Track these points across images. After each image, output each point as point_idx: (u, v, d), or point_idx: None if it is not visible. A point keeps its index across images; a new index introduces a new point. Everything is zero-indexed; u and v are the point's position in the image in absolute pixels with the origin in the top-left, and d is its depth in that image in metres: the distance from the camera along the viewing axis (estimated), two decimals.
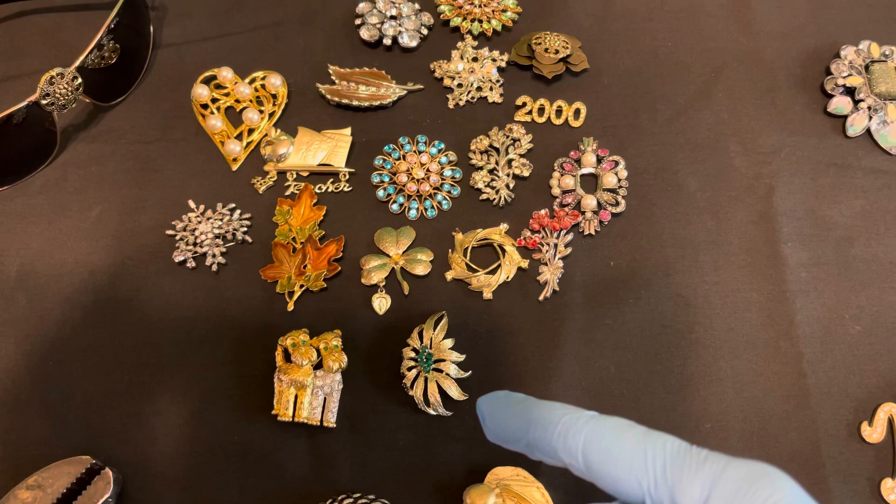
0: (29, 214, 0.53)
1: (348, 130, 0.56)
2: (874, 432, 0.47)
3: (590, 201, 0.53)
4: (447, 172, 0.55)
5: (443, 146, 0.55)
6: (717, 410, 0.48)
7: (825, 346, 0.49)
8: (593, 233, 0.53)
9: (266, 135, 0.55)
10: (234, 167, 0.55)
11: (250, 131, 0.56)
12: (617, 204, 0.53)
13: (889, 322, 0.50)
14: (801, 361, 0.49)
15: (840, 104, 0.57)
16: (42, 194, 0.54)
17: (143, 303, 0.50)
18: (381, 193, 0.54)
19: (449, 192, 0.54)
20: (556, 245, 0.52)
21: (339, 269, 0.51)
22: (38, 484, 0.43)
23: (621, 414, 0.46)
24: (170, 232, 0.52)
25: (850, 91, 0.58)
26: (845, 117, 0.57)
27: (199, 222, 0.52)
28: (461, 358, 0.48)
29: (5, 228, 0.52)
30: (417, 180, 0.54)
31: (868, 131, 0.57)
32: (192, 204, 0.53)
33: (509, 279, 0.51)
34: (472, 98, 0.58)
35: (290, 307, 0.50)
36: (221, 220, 0.52)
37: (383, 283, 0.51)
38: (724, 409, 0.48)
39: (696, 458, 0.30)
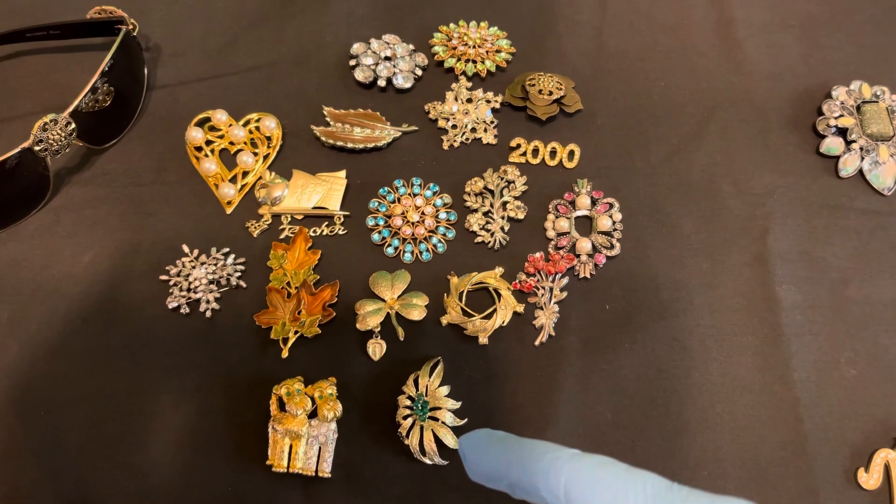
0: (21, 260, 0.52)
1: (343, 173, 0.56)
2: (870, 478, 0.46)
3: (585, 244, 0.53)
4: (442, 215, 0.55)
5: (437, 189, 0.55)
6: (713, 457, 0.47)
7: (821, 390, 0.49)
8: (588, 276, 0.53)
9: (260, 178, 0.55)
10: (229, 210, 0.55)
11: (245, 174, 0.56)
12: (612, 247, 0.53)
13: (884, 366, 0.50)
14: (797, 406, 0.49)
15: (832, 144, 0.58)
16: (34, 239, 0.53)
17: (136, 350, 0.50)
18: (376, 237, 0.54)
19: (444, 234, 0.54)
20: (551, 289, 0.52)
21: (334, 314, 0.51)
22: None
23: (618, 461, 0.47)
24: (163, 277, 0.52)
25: (842, 131, 0.58)
26: (837, 158, 0.58)
27: (193, 267, 0.52)
28: (457, 405, 0.48)
29: None
30: (412, 223, 0.54)
31: (860, 172, 0.57)
32: (185, 248, 0.53)
33: (505, 324, 0.51)
34: (467, 139, 0.58)
35: (285, 354, 0.50)
36: (215, 264, 0.52)
37: (378, 329, 0.51)
38: (720, 455, 0.47)
39: (677, 496, 0.30)
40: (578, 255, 0.53)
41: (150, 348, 0.50)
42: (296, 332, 0.50)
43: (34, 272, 0.52)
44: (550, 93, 0.58)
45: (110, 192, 0.55)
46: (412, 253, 0.53)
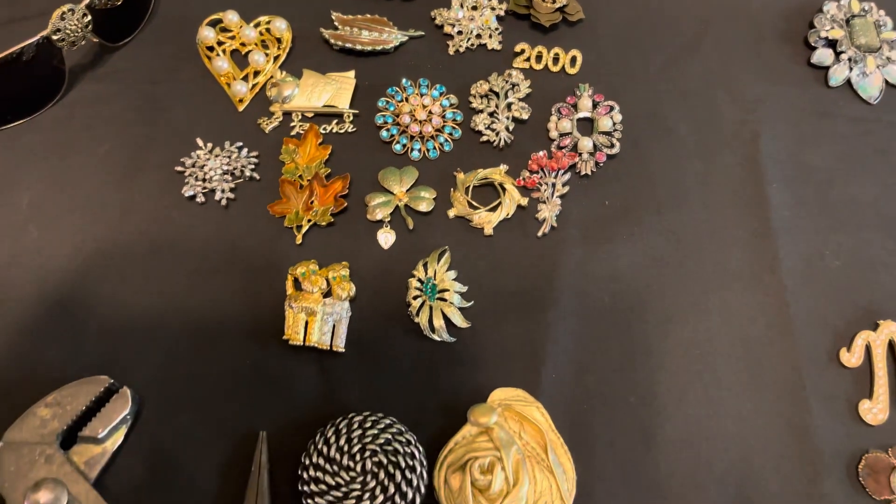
0: (39, 150, 0.54)
1: (352, 73, 0.57)
2: (852, 357, 0.50)
3: (586, 143, 0.55)
4: (448, 115, 0.56)
5: (444, 90, 0.57)
6: (705, 338, 0.50)
7: (806, 279, 0.52)
8: (589, 173, 0.55)
9: (271, 77, 0.57)
10: (241, 108, 0.56)
11: (256, 73, 0.57)
12: (612, 146, 0.55)
13: (865, 258, 0.53)
14: (784, 293, 0.52)
15: (822, 56, 0.60)
16: (51, 131, 0.54)
17: (154, 235, 0.51)
18: (384, 134, 0.55)
19: (450, 134, 0.56)
20: (553, 184, 0.54)
21: (346, 204, 0.53)
22: (57, 402, 0.44)
23: (614, 341, 0.49)
24: (179, 168, 0.53)
25: (831, 43, 0.60)
26: (827, 68, 0.60)
27: (208, 159, 0.53)
28: (464, 289, 0.51)
29: (16, 163, 0.53)
30: (420, 122, 0.56)
31: (848, 82, 0.60)
32: (199, 142, 0.54)
33: (509, 216, 0.53)
34: (472, 45, 0.60)
35: (299, 240, 0.52)
36: (229, 157, 0.53)
37: (388, 220, 0.53)
38: (711, 336, 0.50)
39: None
40: (580, 154, 0.55)
41: (166, 234, 0.51)
42: (309, 221, 0.52)
43: (52, 162, 0.53)
44: (554, 1, 0.60)
45: (124, 89, 0.56)
46: (420, 151, 0.55)
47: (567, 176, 0.55)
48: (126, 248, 0.51)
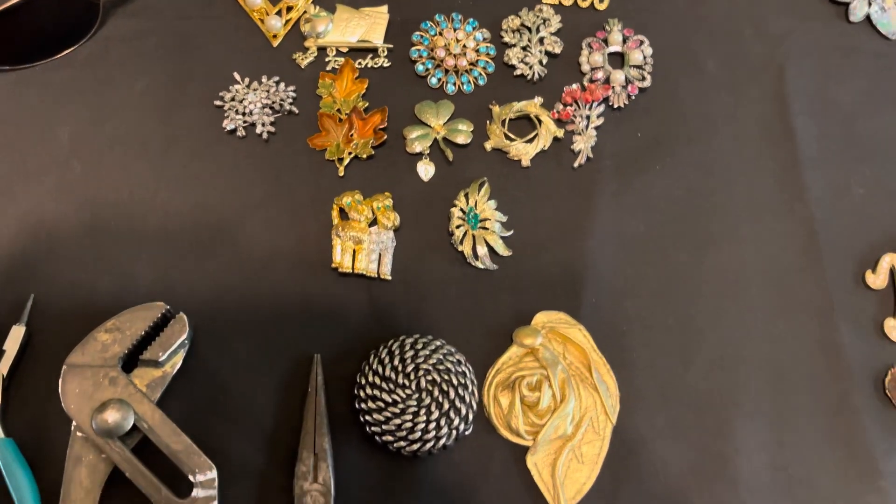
0: (75, 85, 0.54)
1: (385, 8, 0.57)
2: (877, 279, 0.52)
3: (618, 76, 0.56)
4: (482, 49, 0.57)
5: (476, 24, 0.58)
6: (738, 266, 0.52)
7: (833, 207, 0.54)
8: (622, 105, 0.56)
9: (305, 12, 0.57)
10: (275, 43, 0.56)
11: (289, 9, 0.57)
12: (644, 79, 0.56)
13: (890, 187, 0.55)
14: (812, 222, 0.53)
15: None
16: (87, 67, 0.54)
17: (197, 171, 0.52)
18: (419, 68, 0.56)
19: (484, 68, 0.57)
20: (588, 117, 0.55)
21: (385, 137, 0.53)
22: (116, 327, 0.45)
23: (650, 268, 0.51)
24: (218, 103, 0.53)
25: None
26: (848, 4, 0.61)
27: (247, 93, 0.53)
28: (504, 218, 0.52)
29: (53, 98, 0.53)
30: (454, 56, 0.56)
31: (868, 17, 0.61)
32: (237, 76, 0.54)
33: (546, 148, 0.54)
34: None
35: (341, 173, 0.52)
36: (268, 91, 0.54)
37: (427, 152, 0.53)
38: (744, 264, 0.52)
39: None
40: (613, 87, 0.56)
41: (209, 169, 0.52)
42: (350, 154, 0.53)
43: (90, 98, 0.53)
44: None
45: (157, 26, 0.56)
46: (454, 84, 0.56)
47: (601, 108, 0.55)
48: (170, 183, 0.51)
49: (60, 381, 0.43)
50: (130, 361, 0.45)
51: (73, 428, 0.43)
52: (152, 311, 0.46)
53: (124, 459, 0.42)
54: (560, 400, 0.46)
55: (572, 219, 0.53)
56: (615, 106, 0.56)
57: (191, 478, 0.42)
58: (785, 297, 0.51)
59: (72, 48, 0.54)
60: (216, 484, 0.42)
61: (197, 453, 0.43)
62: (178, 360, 0.46)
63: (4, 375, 0.45)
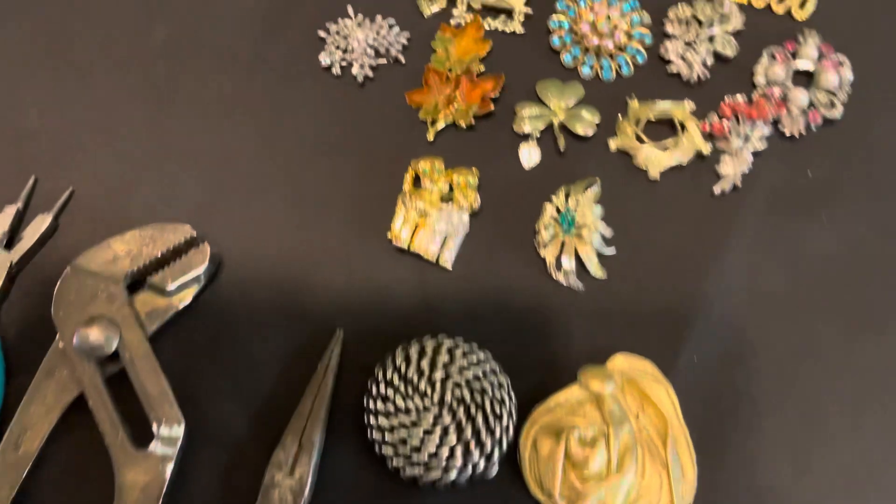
0: None
1: None
2: None
3: (801, 97, 0.44)
4: (636, 35, 0.47)
5: (637, 5, 0.48)
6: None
7: None
8: (796, 134, 0.44)
9: None
10: None
11: None
12: (833, 106, 0.44)
13: None
14: None
15: None
16: None
17: (280, 99, 0.46)
18: (555, 41, 0.47)
19: (633, 56, 0.47)
20: (747, 137, 0.44)
21: (493, 108, 0.45)
22: (135, 240, 0.40)
23: (783, 337, 0.39)
24: (321, 33, 0.48)
25: None
26: None
27: (355, 29, 0.47)
28: (609, 232, 0.42)
29: None
30: (601, 34, 0.47)
31: None
32: (350, 10, 0.48)
33: (684, 163, 0.44)
34: None
35: (431, 137, 0.45)
36: (378, 32, 0.47)
37: (537, 136, 0.45)
38: None
39: None
40: (788, 108, 0.44)
41: (294, 100, 0.46)
42: (447, 118, 0.45)
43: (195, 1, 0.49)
44: None
45: None
46: (592, 67, 0.47)
47: (766, 130, 0.44)
48: (245, 106, 0.46)
49: (59, 282, 0.39)
50: (138, 282, 0.40)
51: (57, 336, 0.38)
52: (176, 234, 0.40)
53: (93, 385, 0.37)
54: (616, 468, 0.35)
55: (695, 254, 0.42)
56: (786, 132, 0.44)
57: (154, 428, 0.36)
58: None
59: None
60: (179, 444, 0.36)
61: (171, 402, 0.36)
62: (189, 296, 0.40)
63: (14, 263, 0.41)
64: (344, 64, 0.47)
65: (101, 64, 0.47)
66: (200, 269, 0.40)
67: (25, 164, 0.44)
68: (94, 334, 0.37)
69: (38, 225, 0.42)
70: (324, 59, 0.47)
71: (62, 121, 0.45)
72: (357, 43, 0.47)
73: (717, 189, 0.43)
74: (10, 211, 0.42)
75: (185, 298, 0.40)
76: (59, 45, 0.48)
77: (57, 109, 0.46)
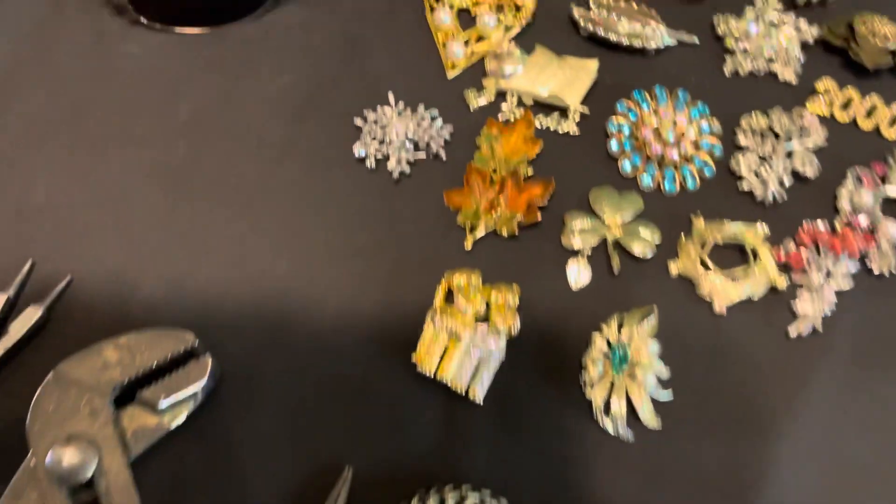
0: (217, 63, 0.46)
1: (595, 63, 0.45)
2: None
3: (891, 230, 0.39)
4: (705, 144, 0.43)
5: (706, 112, 0.44)
6: None
7: None
8: (886, 273, 0.39)
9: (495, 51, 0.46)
10: (450, 74, 0.46)
11: (479, 39, 0.47)
12: None
13: None
14: None
15: None
16: (238, 47, 0.47)
17: (307, 187, 0.42)
18: (614, 146, 0.43)
19: (700, 168, 0.42)
20: (829, 272, 0.38)
21: (539, 218, 0.40)
22: (128, 346, 0.35)
23: None
24: (359, 122, 0.44)
25: None
26: None
27: (394, 120, 0.43)
28: (666, 373, 0.36)
29: (188, 72, 0.46)
30: (665, 142, 0.42)
31: None
32: (391, 98, 0.44)
33: (755, 297, 0.38)
34: (758, 70, 0.45)
35: (468, 246, 0.40)
36: (419, 123, 0.43)
37: (588, 253, 0.40)
38: None
39: None
40: (878, 242, 0.39)
41: (322, 188, 0.42)
42: (488, 226, 0.40)
43: (227, 79, 0.46)
44: (886, 38, 0.44)
45: (330, 22, 0.48)
46: (654, 178, 0.42)
47: (852, 266, 0.39)
48: (272, 194, 0.42)
49: (39, 389, 0.34)
50: (129, 394, 0.35)
51: (30, 452, 0.34)
52: (175, 341, 0.36)
53: None
54: None
55: (766, 404, 0.36)
56: (875, 271, 0.39)
57: None
58: None
59: (229, 23, 0.48)
60: None
61: None
62: (182, 415, 0.35)
63: None
64: (379, 157, 0.43)
65: (117, 138, 0.44)
66: (198, 386, 0.35)
67: (25, 243, 0.41)
68: (69, 457, 0.32)
69: (28, 318, 0.38)
70: (358, 150, 0.43)
71: (69, 198, 0.42)
72: (396, 135, 0.43)
73: (792, 331, 0.37)
74: (0, 299, 0.38)
75: (178, 418, 0.35)
76: (75, 115, 0.44)
77: (65, 185, 0.42)
